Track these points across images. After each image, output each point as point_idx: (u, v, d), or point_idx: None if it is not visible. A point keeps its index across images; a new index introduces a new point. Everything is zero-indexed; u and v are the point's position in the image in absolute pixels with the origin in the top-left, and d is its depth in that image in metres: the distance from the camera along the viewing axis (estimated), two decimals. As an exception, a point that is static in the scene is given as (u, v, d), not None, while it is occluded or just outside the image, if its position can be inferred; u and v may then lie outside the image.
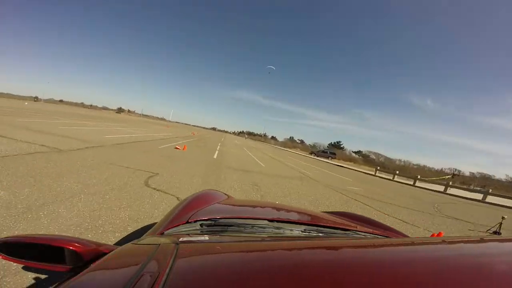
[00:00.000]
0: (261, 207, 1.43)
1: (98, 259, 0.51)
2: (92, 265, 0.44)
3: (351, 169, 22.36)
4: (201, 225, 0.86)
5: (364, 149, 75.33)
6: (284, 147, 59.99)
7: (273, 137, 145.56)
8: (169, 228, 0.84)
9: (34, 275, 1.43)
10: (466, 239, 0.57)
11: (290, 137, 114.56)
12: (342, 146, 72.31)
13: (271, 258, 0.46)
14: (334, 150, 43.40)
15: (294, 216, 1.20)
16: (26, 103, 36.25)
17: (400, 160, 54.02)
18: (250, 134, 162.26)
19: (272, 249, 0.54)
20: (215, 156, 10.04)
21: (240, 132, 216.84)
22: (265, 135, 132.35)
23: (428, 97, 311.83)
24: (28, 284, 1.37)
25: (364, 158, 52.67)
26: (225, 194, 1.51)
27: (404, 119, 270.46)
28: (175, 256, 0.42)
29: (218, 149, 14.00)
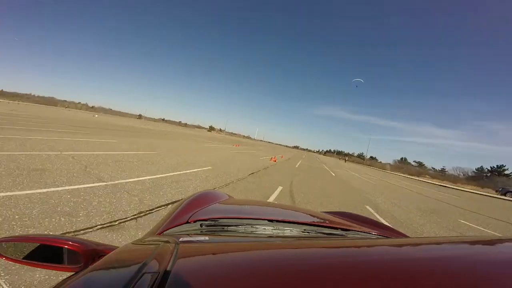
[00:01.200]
0: (261, 207, 1.45)
1: (98, 259, 0.52)
2: (92, 265, 0.44)
3: None
4: (201, 225, 0.85)
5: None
6: (402, 173, 44.83)
7: (372, 158, 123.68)
8: (169, 228, 0.85)
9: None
10: (466, 239, 0.57)
11: (402, 158, 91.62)
12: (507, 172, 47.39)
13: (271, 258, 0.46)
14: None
15: (294, 216, 1.19)
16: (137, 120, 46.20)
17: None
18: (340, 154, 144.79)
19: (272, 249, 0.55)
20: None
21: (326, 151, 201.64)
22: (362, 155, 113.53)
23: None
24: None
25: None
26: (225, 194, 1.49)
27: None
28: (175, 256, 0.42)
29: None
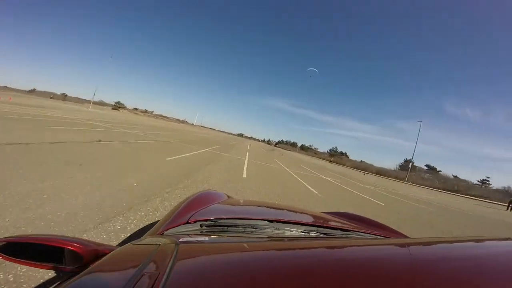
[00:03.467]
0: (261, 207, 1.43)
1: (98, 259, 0.51)
2: (92, 266, 0.45)
3: None
4: (201, 225, 0.85)
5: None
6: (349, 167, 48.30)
7: (309, 147, 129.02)
8: (169, 229, 0.84)
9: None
10: (466, 239, 0.58)
11: (332, 149, 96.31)
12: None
13: (271, 259, 0.47)
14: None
15: (294, 217, 1.19)
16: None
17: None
18: (280, 143, 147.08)
19: (272, 249, 0.55)
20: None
21: (268, 140, 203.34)
22: (310, 147, 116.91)
23: (468, 107, 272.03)
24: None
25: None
26: (226, 194, 1.49)
27: (441, 130, 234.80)
28: (175, 256, 0.42)
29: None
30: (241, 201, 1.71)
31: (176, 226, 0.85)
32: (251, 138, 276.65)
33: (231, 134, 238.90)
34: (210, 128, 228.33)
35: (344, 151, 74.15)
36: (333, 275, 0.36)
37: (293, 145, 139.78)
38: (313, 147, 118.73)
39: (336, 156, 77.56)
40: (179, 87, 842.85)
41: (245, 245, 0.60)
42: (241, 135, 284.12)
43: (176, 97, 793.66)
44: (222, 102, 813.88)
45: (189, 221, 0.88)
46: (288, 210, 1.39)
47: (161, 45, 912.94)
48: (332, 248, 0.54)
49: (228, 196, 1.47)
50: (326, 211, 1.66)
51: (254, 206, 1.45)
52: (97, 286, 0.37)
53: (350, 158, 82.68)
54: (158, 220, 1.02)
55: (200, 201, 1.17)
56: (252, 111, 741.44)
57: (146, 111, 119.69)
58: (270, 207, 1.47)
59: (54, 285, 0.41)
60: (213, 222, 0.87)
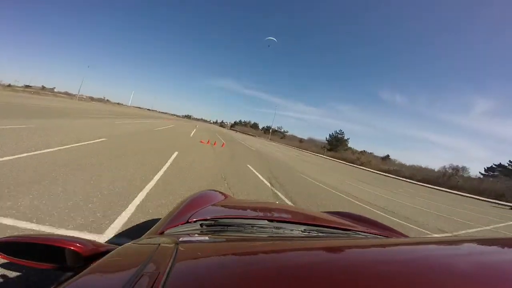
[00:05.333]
0: (261, 207, 1.42)
1: (98, 259, 0.51)
2: (92, 265, 0.44)
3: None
4: (201, 225, 0.85)
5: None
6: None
7: (254, 126, 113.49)
8: (169, 228, 0.84)
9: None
10: (466, 239, 0.56)
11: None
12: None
13: (271, 258, 0.47)
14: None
15: (294, 216, 1.18)
16: None
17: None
18: (238, 125, 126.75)
19: (272, 249, 0.55)
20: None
21: (221, 122, 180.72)
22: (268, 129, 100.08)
23: (397, 93, 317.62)
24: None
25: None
26: (226, 194, 1.49)
27: (374, 113, 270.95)
28: (175, 256, 0.42)
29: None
30: (241, 200, 1.77)
31: (176, 226, 0.85)
32: (200, 119, 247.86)
33: (176, 116, 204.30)
34: (149, 110, 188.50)
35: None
36: (333, 274, 0.36)
37: (254, 126, 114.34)
38: (282, 129, 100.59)
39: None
40: (109, 64, 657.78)
41: (245, 244, 0.61)
42: (188, 116, 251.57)
43: (107, 76, 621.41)
44: (162, 81, 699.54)
45: (189, 221, 0.88)
46: (288, 210, 1.43)
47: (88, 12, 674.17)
48: (332, 248, 0.55)
49: (229, 196, 1.47)
50: (326, 211, 1.67)
51: (254, 206, 1.43)
52: (97, 286, 0.37)
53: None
54: (159, 218, 1.03)
55: (200, 200, 1.17)
56: (201, 92, 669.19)
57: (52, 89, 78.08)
58: (270, 207, 1.47)
59: (54, 285, 0.41)
60: (213, 222, 0.87)
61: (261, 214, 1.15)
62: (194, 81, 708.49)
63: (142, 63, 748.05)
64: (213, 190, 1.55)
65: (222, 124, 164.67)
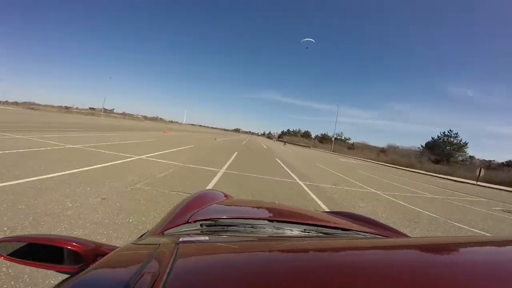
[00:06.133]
0: (261, 207, 1.41)
1: (98, 259, 0.51)
2: (92, 265, 0.44)
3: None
4: (201, 225, 0.85)
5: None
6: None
7: (306, 135, 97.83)
8: (169, 228, 0.84)
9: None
10: (467, 239, 0.56)
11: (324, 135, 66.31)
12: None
13: (271, 258, 0.47)
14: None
15: (294, 216, 1.17)
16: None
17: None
18: (286, 134, 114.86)
19: (272, 249, 0.55)
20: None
21: (268, 133, 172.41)
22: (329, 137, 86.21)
23: (469, 87, 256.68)
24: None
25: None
26: (226, 194, 1.48)
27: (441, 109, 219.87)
28: (175, 256, 0.41)
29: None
30: (241, 200, 1.72)
31: (176, 226, 0.85)
32: (249, 132, 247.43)
33: (226, 130, 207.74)
34: (200, 126, 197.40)
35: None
36: (334, 274, 0.35)
37: (306, 135, 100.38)
38: (342, 137, 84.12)
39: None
40: (163, 86, 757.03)
41: (246, 244, 0.60)
42: (237, 130, 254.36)
43: (160, 97, 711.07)
44: (211, 98, 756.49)
45: (189, 221, 0.88)
46: (288, 210, 1.39)
47: (147, 43, 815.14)
48: (333, 248, 0.54)
49: (229, 196, 1.46)
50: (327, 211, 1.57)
51: (254, 205, 1.44)
52: (97, 286, 0.36)
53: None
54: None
55: (200, 200, 1.17)
56: (248, 106, 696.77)
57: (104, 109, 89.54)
58: (270, 207, 1.44)
59: (54, 285, 0.41)
60: (213, 222, 0.87)
61: (261, 214, 1.16)
62: (240, 96, 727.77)
63: (194, 83, 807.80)
64: (213, 190, 1.60)
65: (269, 136, 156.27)
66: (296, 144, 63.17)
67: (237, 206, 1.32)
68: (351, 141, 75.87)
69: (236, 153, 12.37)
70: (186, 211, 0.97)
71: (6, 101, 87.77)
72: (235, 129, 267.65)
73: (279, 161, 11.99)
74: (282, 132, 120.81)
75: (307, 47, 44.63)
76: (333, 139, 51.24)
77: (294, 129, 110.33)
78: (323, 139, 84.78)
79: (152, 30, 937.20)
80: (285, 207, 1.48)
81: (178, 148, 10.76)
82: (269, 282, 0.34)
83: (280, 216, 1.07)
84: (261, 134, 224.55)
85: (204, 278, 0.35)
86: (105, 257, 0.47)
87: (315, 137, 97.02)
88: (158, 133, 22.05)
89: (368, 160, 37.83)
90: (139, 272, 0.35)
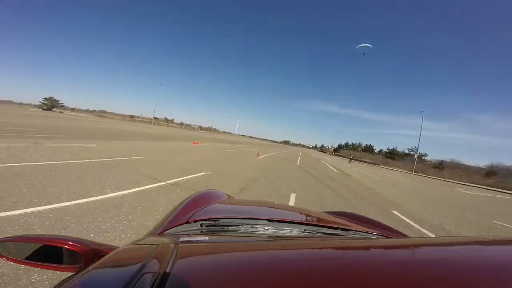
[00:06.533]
0: (261, 207, 1.43)
1: (98, 259, 0.52)
2: (92, 265, 0.44)
3: None
4: (201, 225, 0.85)
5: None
6: None
7: (368, 149, 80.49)
8: (169, 228, 0.85)
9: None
10: (467, 239, 0.56)
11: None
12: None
13: (271, 258, 0.47)
14: None
15: (294, 216, 1.19)
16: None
17: None
18: (341, 148, 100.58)
19: (272, 249, 0.55)
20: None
21: (320, 146, 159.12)
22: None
23: None
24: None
25: None
26: (226, 194, 1.49)
27: None
28: (175, 256, 0.42)
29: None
30: (241, 200, 1.73)
31: (176, 226, 0.85)
32: (299, 144, 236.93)
33: (274, 142, 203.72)
34: (251, 137, 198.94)
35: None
36: (334, 274, 0.36)
37: (368, 150, 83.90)
38: (414, 152, 66.79)
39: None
40: (219, 97, 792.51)
41: (245, 244, 0.60)
42: (286, 142, 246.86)
43: (217, 108, 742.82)
44: (261, 108, 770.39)
45: (189, 221, 0.88)
46: (288, 210, 1.41)
47: (197, 52, 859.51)
48: (333, 248, 0.54)
49: (228, 196, 1.47)
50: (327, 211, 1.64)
51: (254, 205, 1.46)
52: (97, 286, 0.36)
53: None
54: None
55: (200, 200, 1.16)
56: (296, 117, 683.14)
57: (166, 119, 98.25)
58: (270, 207, 1.47)
59: (55, 285, 0.41)
60: (213, 222, 0.87)
61: (261, 214, 1.15)
62: (290, 107, 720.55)
63: (246, 95, 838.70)
64: (213, 190, 1.54)
65: (322, 149, 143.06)
66: (360, 161, 51.88)
67: (237, 206, 1.32)
68: (427, 157, 59.01)
69: (293, 195, 5.64)
70: (186, 211, 0.97)
71: (75, 108, 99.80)
72: (284, 141, 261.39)
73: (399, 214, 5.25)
74: (338, 145, 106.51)
75: (364, 53, 39.77)
76: (416, 157, 38.53)
77: (353, 142, 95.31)
78: (391, 155, 69.01)
79: (214, 46, 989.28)
80: (285, 207, 1.47)
81: (174, 180, 5.10)
82: (269, 282, 0.34)
83: (280, 216, 1.07)
84: (312, 146, 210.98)
85: (204, 278, 0.35)
86: (105, 257, 0.48)
87: (378, 151, 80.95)
88: (185, 144, 17.12)
89: (479, 185, 26.03)
90: (139, 272, 0.35)
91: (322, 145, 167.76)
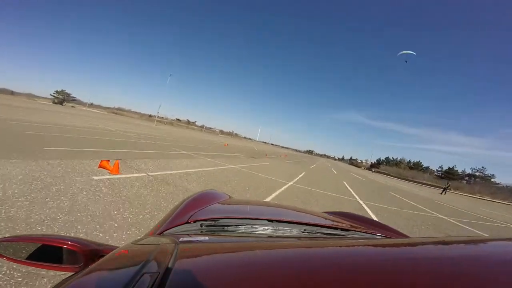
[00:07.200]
0: (261, 207, 1.45)
1: (98, 259, 0.51)
2: (92, 265, 0.44)
3: None
4: (201, 225, 0.85)
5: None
6: None
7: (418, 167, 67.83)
8: (169, 228, 0.85)
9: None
10: (467, 239, 0.57)
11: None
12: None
13: (271, 258, 0.47)
14: None
15: (294, 216, 1.18)
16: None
17: None
18: (380, 164, 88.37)
19: (272, 249, 0.55)
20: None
21: (343, 158, 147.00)
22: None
23: None
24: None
25: None
26: (225, 194, 1.49)
27: None
28: (175, 256, 0.42)
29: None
30: (241, 200, 1.71)
31: (176, 226, 0.86)
32: (323, 155, 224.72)
33: (298, 151, 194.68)
34: (272, 144, 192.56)
35: None
36: (333, 274, 0.36)
37: (416, 167, 71.75)
38: (479, 172, 54.34)
39: None
40: (242, 102, 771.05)
41: (245, 245, 0.61)
42: (310, 152, 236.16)
43: (239, 114, 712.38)
44: (284, 116, 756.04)
45: (189, 221, 0.88)
46: (288, 210, 1.40)
47: (222, 56, 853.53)
48: (332, 248, 0.54)
49: (229, 196, 1.47)
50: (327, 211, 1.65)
51: (254, 206, 1.44)
52: (97, 286, 0.36)
53: None
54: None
55: (200, 200, 1.16)
56: (322, 126, 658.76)
57: (188, 121, 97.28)
58: (270, 207, 1.50)
59: (54, 285, 0.41)
60: (213, 222, 0.87)
61: (261, 214, 1.15)
62: (315, 116, 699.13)
63: (270, 101, 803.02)
64: (213, 190, 1.54)
65: (353, 162, 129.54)
66: (408, 180, 42.78)
67: (237, 206, 1.32)
68: (494, 179, 48.29)
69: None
70: (186, 211, 0.97)
71: (92, 103, 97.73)
72: (307, 151, 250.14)
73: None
74: (377, 160, 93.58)
75: (406, 61, 36.28)
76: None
77: (393, 158, 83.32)
78: (449, 175, 58.08)
79: (241, 51, 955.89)
80: (285, 207, 1.48)
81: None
82: (269, 282, 0.34)
83: (280, 216, 1.07)
84: (338, 158, 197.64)
85: (204, 278, 0.35)
86: (105, 257, 0.48)
87: (425, 168, 69.55)
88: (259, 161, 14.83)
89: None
90: (139, 272, 0.35)
91: (351, 158, 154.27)
